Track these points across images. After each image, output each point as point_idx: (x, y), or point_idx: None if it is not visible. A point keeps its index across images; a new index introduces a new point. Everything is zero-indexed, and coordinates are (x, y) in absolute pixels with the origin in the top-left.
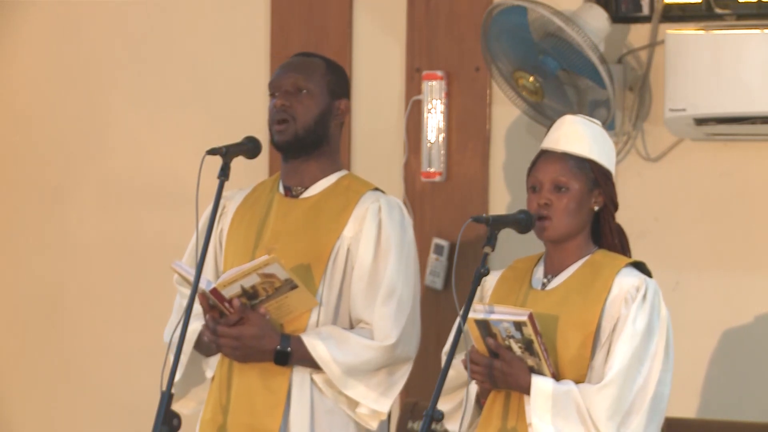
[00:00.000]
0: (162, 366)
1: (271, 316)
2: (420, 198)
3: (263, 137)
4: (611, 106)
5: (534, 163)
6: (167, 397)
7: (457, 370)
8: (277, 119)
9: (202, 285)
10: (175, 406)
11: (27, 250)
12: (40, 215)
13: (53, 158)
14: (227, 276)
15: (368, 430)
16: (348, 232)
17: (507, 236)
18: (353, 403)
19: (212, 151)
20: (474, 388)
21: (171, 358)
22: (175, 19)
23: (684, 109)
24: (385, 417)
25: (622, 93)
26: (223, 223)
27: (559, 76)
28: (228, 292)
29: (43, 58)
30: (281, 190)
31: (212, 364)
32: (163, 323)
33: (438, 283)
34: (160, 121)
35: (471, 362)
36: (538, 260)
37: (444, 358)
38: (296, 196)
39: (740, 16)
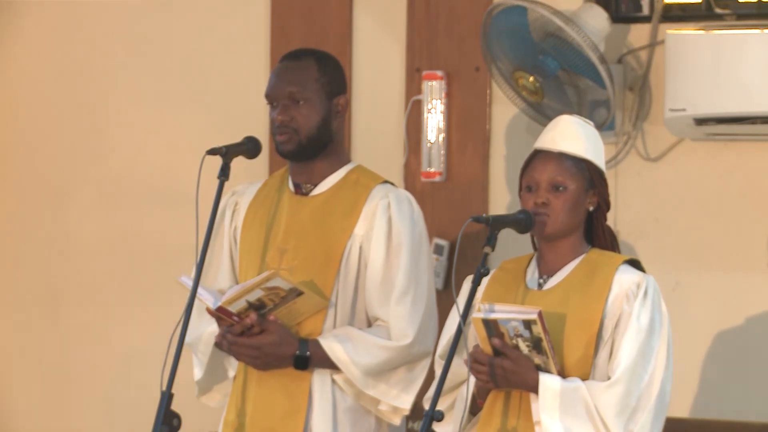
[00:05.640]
0: (162, 366)
1: (283, 322)
2: (420, 198)
3: (263, 137)
4: (611, 106)
5: (528, 163)
6: (167, 397)
7: (453, 372)
8: (280, 132)
9: (209, 303)
10: (202, 400)
11: (27, 250)
12: (40, 215)
13: (53, 158)
14: (231, 294)
15: (390, 425)
16: (359, 230)
17: (507, 236)
18: (374, 401)
19: (212, 151)
20: (469, 388)
21: (196, 358)
22: (175, 19)
23: (684, 109)
24: (407, 412)
25: (622, 93)
26: (237, 221)
27: (559, 76)
28: (234, 308)
29: (43, 58)
30: (291, 187)
31: (234, 364)
32: (162, 323)
33: (438, 283)
34: (160, 121)
35: (474, 361)
36: (529, 261)
37: (438, 362)
38: (306, 194)
39: (740, 16)
